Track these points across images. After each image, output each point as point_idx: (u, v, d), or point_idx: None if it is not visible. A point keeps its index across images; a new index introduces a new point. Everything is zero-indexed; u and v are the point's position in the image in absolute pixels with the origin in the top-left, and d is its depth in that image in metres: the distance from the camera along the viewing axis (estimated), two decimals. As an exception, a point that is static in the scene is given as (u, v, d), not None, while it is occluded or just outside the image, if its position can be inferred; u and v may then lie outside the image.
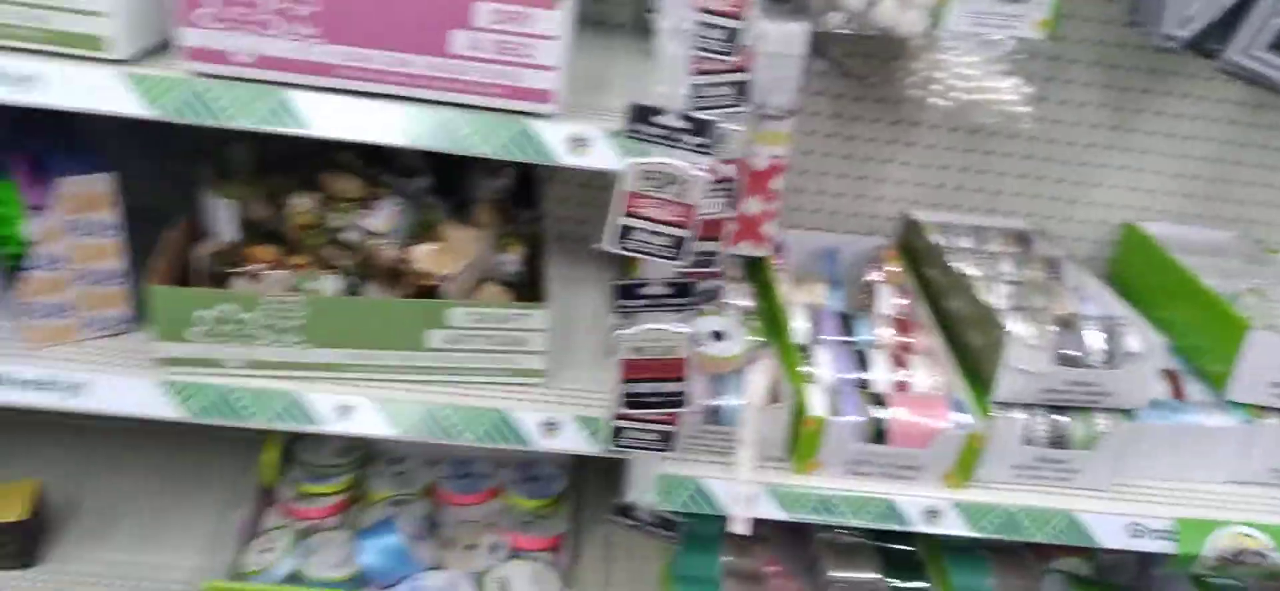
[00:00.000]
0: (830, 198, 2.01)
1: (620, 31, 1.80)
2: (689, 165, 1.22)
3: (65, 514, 1.73)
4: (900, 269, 1.89)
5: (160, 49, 1.21)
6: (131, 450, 1.89)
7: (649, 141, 1.22)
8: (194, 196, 1.45)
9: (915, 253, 1.95)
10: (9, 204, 1.36)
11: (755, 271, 1.84)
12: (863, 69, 1.86)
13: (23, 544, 1.60)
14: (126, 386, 1.33)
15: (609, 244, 1.25)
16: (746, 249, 1.76)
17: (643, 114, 1.21)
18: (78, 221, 1.31)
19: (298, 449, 1.88)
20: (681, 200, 1.24)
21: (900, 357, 1.66)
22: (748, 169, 1.65)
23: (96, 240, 1.34)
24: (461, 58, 1.17)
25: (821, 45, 1.71)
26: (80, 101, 1.14)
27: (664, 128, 1.22)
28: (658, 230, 1.26)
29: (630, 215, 1.25)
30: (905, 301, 1.81)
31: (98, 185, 1.31)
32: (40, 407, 1.33)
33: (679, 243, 1.26)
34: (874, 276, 1.88)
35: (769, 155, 1.68)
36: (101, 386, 1.33)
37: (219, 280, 1.38)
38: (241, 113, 1.16)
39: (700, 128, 1.22)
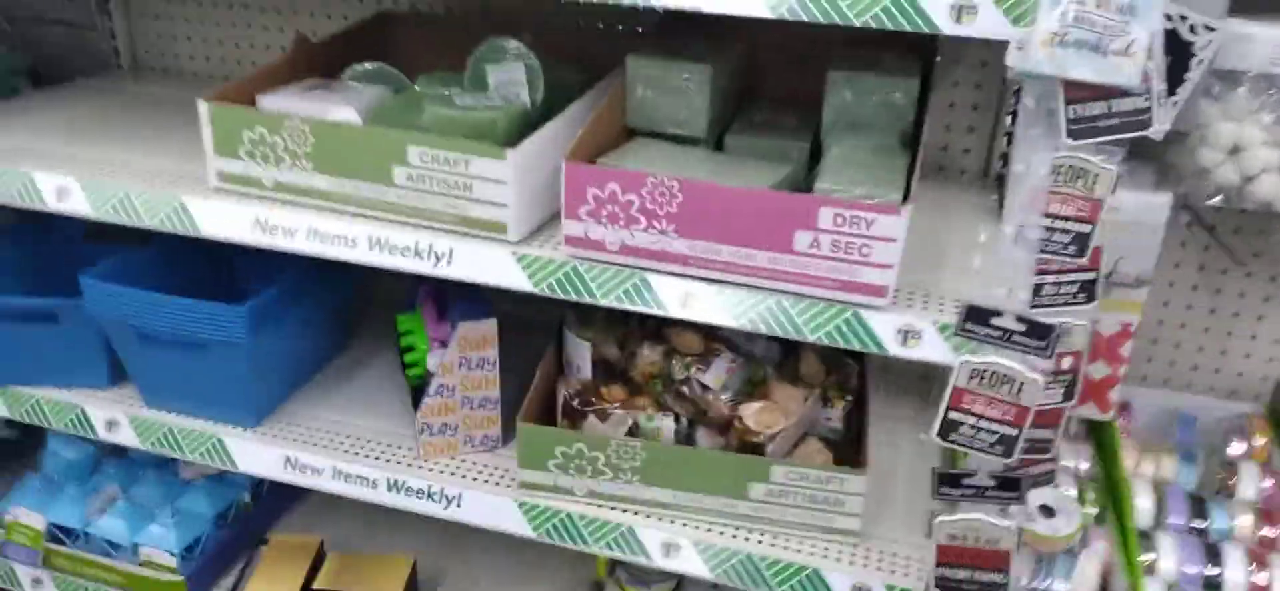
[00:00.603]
0: (1189, 352, 1.85)
1: (963, 180, 1.78)
2: (1024, 368, 1.21)
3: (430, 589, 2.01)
4: (1268, 443, 1.70)
5: (542, 228, 1.41)
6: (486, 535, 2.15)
7: (983, 341, 1.22)
8: (559, 332, 1.65)
9: (1287, 427, 1.75)
10: (418, 333, 1.63)
11: (1097, 433, 1.75)
12: (1234, 240, 1.71)
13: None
14: (492, 503, 1.55)
15: (934, 436, 1.27)
16: (1088, 412, 1.68)
17: (978, 315, 1.22)
18: (468, 358, 1.54)
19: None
20: (1014, 401, 1.23)
21: (1260, 555, 1.51)
22: (1094, 337, 1.57)
23: (480, 373, 1.57)
24: (802, 255, 1.24)
25: (1184, 205, 1.60)
26: (482, 276, 1.37)
27: (1000, 329, 1.22)
28: (987, 427, 1.25)
29: (959, 409, 1.25)
30: (1271, 484, 1.63)
31: (485, 329, 1.53)
32: (425, 514, 1.59)
33: (1009, 441, 1.25)
34: (1237, 450, 1.71)
35: (1119, 321, 1.60)
36: (471, 500, 1.56)
37: (574, 413, 1.56)
38: (606, 291, 1.32)
39: (1039, 331, 1.21)
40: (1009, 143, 1.68)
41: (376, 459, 1.62)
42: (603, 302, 1.33)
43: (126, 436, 1.72)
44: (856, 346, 1.27)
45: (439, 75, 1.59)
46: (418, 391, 1.60)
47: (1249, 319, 1.79)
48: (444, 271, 1.37)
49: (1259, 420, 1.75)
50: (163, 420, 1.69)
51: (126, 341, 1.66)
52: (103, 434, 1.74)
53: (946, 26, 1.13)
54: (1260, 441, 1.71)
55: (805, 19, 1.16)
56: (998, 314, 1.21)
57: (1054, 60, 1.12)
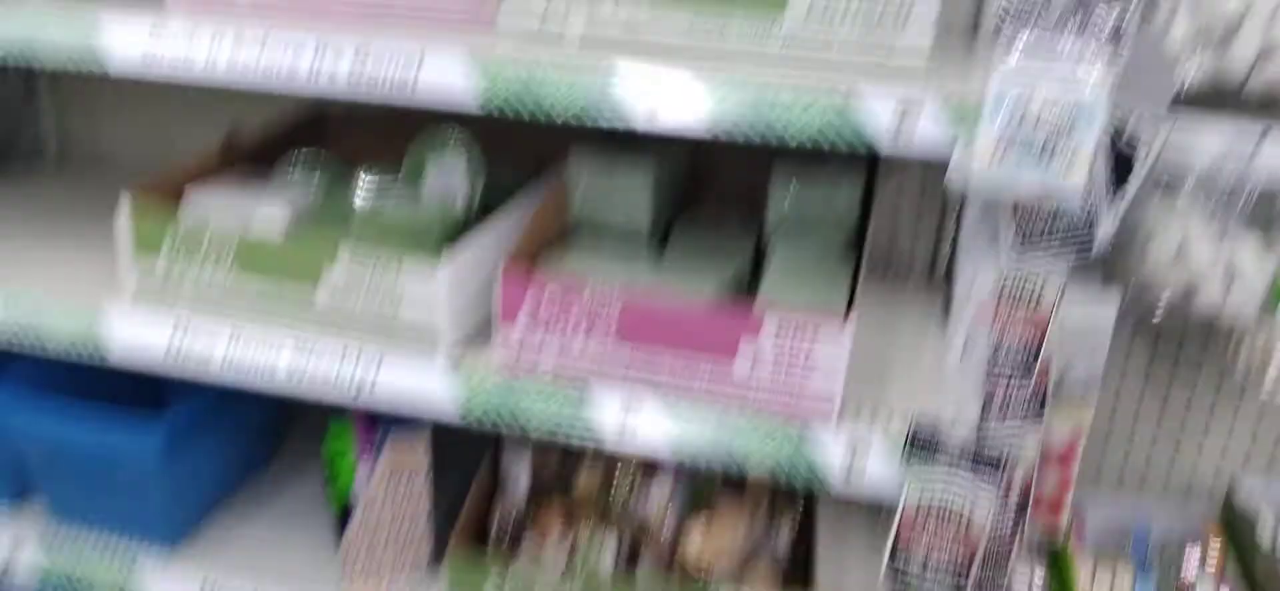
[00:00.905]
0: (1140, 454, 1.82)
1: (909, 279, 1.75)
2: (973, 499, 1.16)
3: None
4: (1222, 552, 1.67)
5: (475, 335, 1.35)
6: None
7: (930, 467, 1.18)
8: (496, 443, 1.58)
9: (1239, 534, 1.72)
10: (344, 440, 1.54)
11: (1050, 548, 1.70)
12: (1183, 348, 1.70)
13: None
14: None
15: (884, 576, 1.21)
16: (1038, 527, 1.63)
17: (925, 438, 1.17)
18: (397, 476, 1.46)
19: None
20: (964, 534, 1.18)
21: (1221, 678, 1.46)
22: (1044, 449, 1.53)
23: (410, 493, 1.48)
24: (746, 369, 1.19)
25: (1132, 312, 1.58)
26: (410, 403, 1.29)
27: (948, 456, 1.17)
28: (937, 564, 1.20)
29: (907, 546, 1.20)
30: (1227, 598, 1.59)
31: (416, 442, 1.46)
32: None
33: (961, 578, 1.20)
34: (1191, 564, 1.67)
35: (1069, 431, 1.56)
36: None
37: (510, 538, 1.48)
38: (542, 415, 1.26)
39: (989, 458, 1.16)
40: (955, 241, 1.66)
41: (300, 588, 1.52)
42: (537, 429, 1.26)
43: (32, 558, 1.60)
44: (801, 477, 1.21)
45: (376, 169, 1.54)
46: (344, 513, 1.51)
47: (1199, 419, 1.77)
48: (371, 399, 1.29)
49: (1213, 526, 1.72)
50: (71, 545, 1.58)
51: (33, 455, 1.55)
52: (6, 555, 1.62)
53: (887, 143, 1.10)
54: (1215, 551, 1.68)
55: (743, 138, 1.13)
56: (944, 444, 1.17)
57: (998, 173, 1.08)
